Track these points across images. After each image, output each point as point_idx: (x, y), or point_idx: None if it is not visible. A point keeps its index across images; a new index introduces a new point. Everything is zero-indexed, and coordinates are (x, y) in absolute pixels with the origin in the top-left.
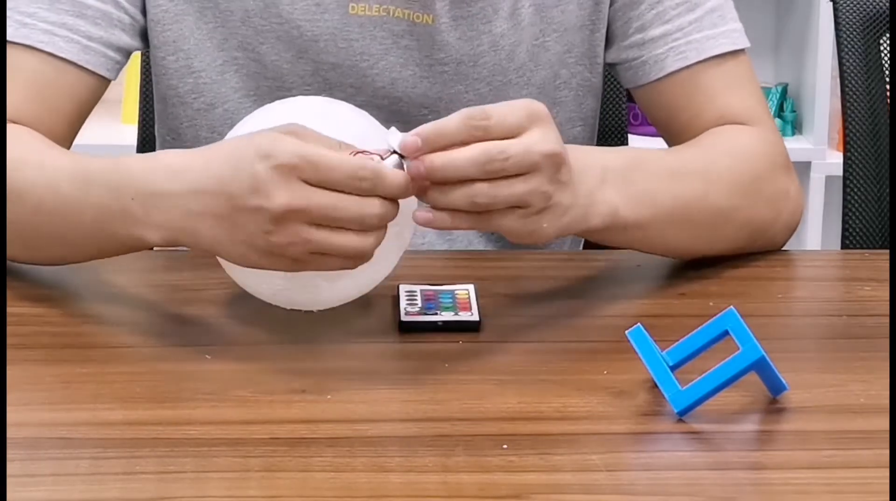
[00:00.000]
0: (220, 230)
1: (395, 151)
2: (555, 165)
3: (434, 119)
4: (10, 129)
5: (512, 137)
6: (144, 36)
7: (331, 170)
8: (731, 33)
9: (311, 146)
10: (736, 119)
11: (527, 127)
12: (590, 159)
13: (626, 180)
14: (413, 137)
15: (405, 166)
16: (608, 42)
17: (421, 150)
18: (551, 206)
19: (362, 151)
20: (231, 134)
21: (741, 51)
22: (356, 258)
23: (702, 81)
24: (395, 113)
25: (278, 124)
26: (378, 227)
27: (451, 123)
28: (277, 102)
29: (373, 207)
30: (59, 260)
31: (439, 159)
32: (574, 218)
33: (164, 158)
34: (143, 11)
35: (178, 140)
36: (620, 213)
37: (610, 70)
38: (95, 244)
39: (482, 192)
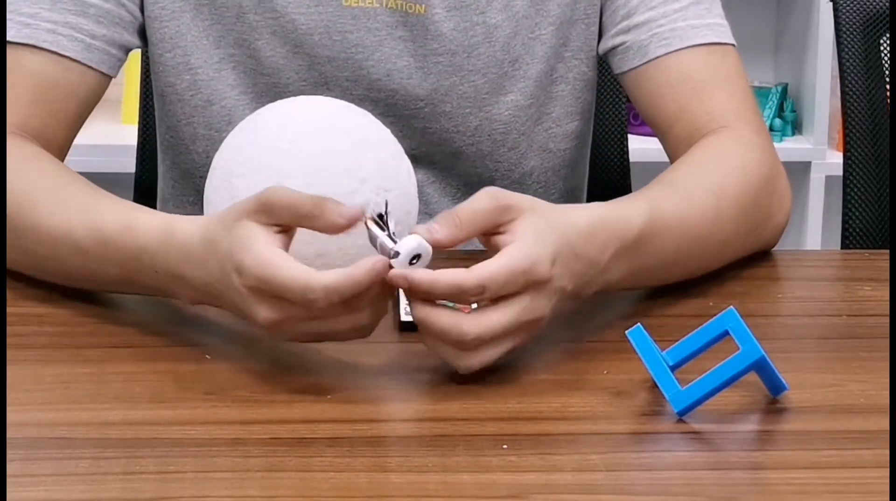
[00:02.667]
0: (234, 307)
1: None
2: (536, 325)
3: (429, 113)
4: (22, 147)
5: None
6: (143, 33)
7: (285, 292)
8: (717, 27)
9: (270, 264)
10: (723, 119)
11: (520, 292)
12: (609, 238)
13: (636, 251)
14: (403, 279)
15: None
16: (599, 33)
17: (407, 291)
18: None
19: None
20: (230, 135)
21: (729, 48)
22: (360, 334)
23: (686, 70)
24: (390, 107)
25: (275, 138)
26: (366, 306)
27: (444, 285)
28: (279, 101)
29: (345, 321)
30: (78, 288)
31: (420, 313)
32: (566, 303)
33: (176, 236)
34: (142, 8)
35: (177, 138)
36: (615, 280)
37: (602, 62)
38: (121, 290)
39: (458, 364)
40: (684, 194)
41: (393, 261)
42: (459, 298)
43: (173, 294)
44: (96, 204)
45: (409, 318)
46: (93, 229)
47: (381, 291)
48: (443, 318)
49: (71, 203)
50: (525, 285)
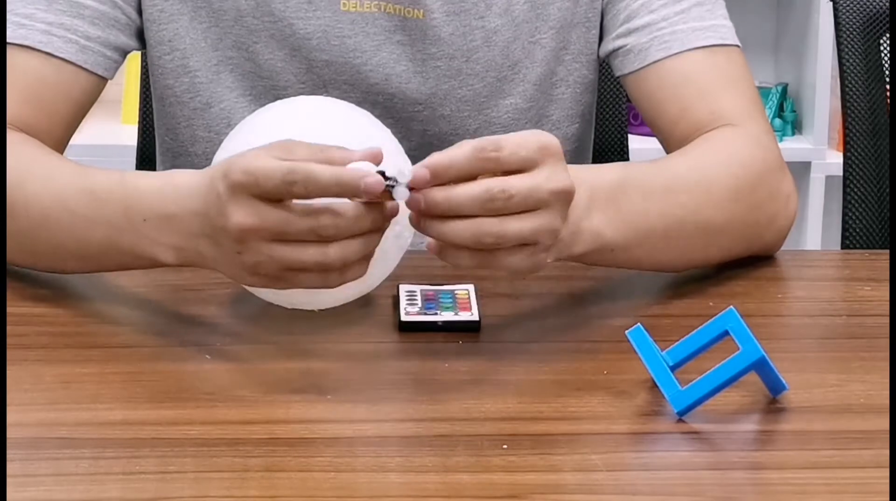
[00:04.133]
0: (213, 251)
1: (397, 183)
2: (564, 201)
3: (428, 116)
4: (11, 136)
5: (523, 170)
6: (141, 35)
7: (267, 179)
8: (720, 28)
9: (264, 160)
10: (728, 118)
11: (538, 161)
12: (577, 181)
13: (614, 202)
14: (422, 169)
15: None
16: (600, 36)
17: (430, 182)
18: (558, 240)
19: (381, 173)
20: (230, 136)
21: (734, 49)
22: (326, 272)
23: (688, 73)
24: (389, 109)
25: (275, 136)
26: (336, 236)
27: (462, 154)
28: (279, 101)
29: (324, 217)
30: (65, 270)
31: (440, 194)
32: (559, 248)
33: (175, 178)
34: (139, 11)
35: (176, 140)
36: (606, 237)
37: (602, 63)
38: (108, 259)
39: (488, 231)
40: (670, 167)
41: (396, 192)
42: (480, 158)
43: (155, 253)
44: (89, 171)
45: (409, 318)
46: (85, 190)
47: (359, 221)
48: (467, 186)
49: (63, 173)
50: (541, 150)
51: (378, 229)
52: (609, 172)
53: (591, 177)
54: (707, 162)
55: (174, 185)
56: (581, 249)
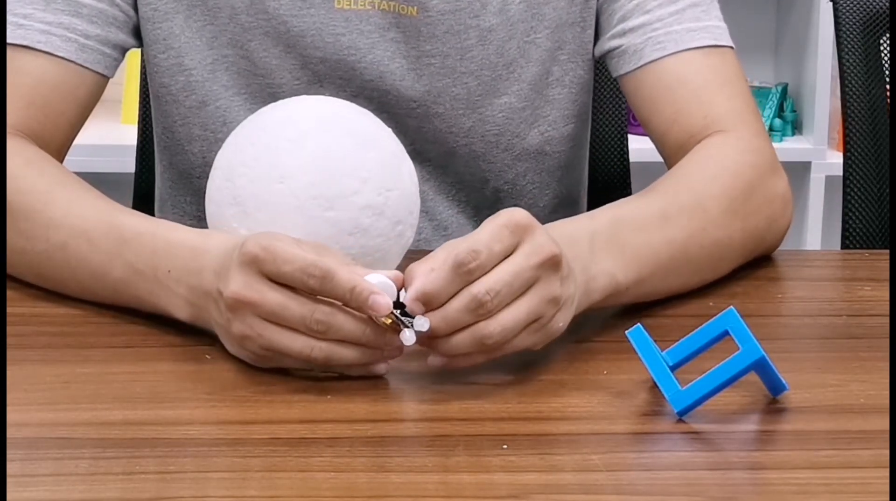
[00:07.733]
0: (215, 314)
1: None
2: (552, 267)
3: (422, 113)
4: (26, 149)
5: (505, 258)
6: (139, 33)
7: (285, 263)
8: (714, 29)
9: (289, 245)
10: (721, 123)
11: (515, 243)
12: (574, 231)
13: (616, 240)
14: (416, 303)
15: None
16: (595, 36)
17: (424, 311)
18: (562, 304)
19: (400, 305)
20: (233, 134)
21: (727, 50)
22: (310, 363)
23: (682, 73)
24: (383, 106)
25: (281, 137)
26: (326, 335)
27: (446, 277)
28: (282, 101)
29: (320, 312)
30: (68, 295)
31: (436, 320)
32: (579, 302)
33: (211, 239)
34: (136, 8)
35: (173, 139)
36: (619, 278)
37: (601, 63)
38: (119, 297)
39: (488, 333)
40: (661, 194)
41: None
42: (461, 271)
43: (171, 305)
44: (116, 207)
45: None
46: (110, 226)
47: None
48: (455, 300)
49: (88, 203)
50: (514, 234)
51: (374, 346)
52: (602, 214)
53: (587, 223)
54: (699, 180)
55: (207, 246)
56: (599, 295)
